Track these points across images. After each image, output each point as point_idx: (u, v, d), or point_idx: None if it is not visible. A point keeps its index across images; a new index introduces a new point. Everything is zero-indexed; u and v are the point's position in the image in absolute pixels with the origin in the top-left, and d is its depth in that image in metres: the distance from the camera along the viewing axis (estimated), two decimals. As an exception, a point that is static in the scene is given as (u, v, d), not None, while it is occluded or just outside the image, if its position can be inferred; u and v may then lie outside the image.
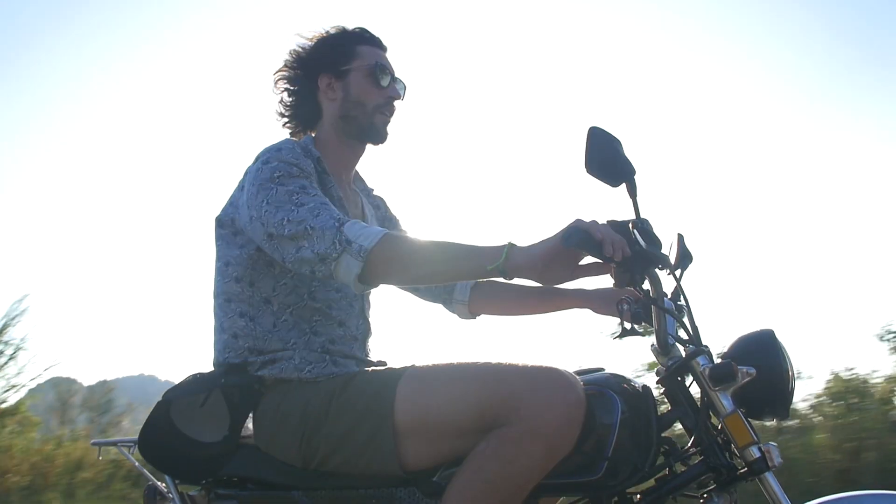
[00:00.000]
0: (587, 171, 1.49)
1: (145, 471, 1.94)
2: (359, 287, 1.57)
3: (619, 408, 1.54)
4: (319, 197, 1.66)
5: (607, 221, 1.54)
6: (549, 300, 2.00)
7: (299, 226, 1.59)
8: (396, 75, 1.92)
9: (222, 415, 1.72)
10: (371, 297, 1.94)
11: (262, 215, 1.64)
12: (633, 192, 1.52)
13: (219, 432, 1.71)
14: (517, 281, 1.54)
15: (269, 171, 1.69)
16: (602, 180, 1.50)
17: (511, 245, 1.46)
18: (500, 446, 1.47)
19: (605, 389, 1.56)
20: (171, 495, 1.80)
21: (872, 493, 1.60)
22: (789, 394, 1.58)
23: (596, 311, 1.93)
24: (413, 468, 1.59)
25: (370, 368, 1.77)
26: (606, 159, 1.49)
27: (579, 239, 1.40)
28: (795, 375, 1.60)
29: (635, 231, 1.46)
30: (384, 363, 1.86)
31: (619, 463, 1.53)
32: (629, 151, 1.52)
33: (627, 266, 1.48)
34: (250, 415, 1.76)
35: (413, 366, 1.64)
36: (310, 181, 1.70)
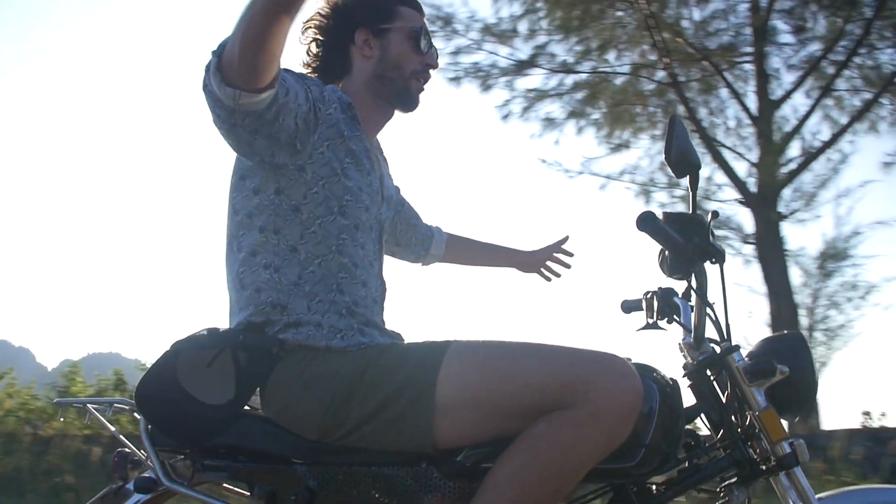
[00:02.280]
0: (665, 157, 1.49)
1: (118, 434, 1.78)
2: (225, 90, 1.42)
3: (656, 397, 1.54)
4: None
5: (664, 213, 1.56)
6: (491, 256, 2.37)
7: None
8: (433, 43, 1.86)
9: (229, 377, 1.59)
10: (384, 258, 1.86)
11: None
12: (695, 184, 1.54)
13: (223, 395, 1.58)
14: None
15: None
16: (672, 169, 1.51)
17: None
18: (563, 431, 1.43)
19: (643, 379, 1.56)
20: (149, 463, 1.65)
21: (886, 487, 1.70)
22: (814, 395, 1.65)
23: (521, 269, 2.37)
24: (444, 446, 1.52)
25: (405, 341, 1.69)
26: (681, 149, 1.50)
27: (654, 227, 1.41)
28: (819, 379, 1.67)
29: (712, 223, 1.48)
30: (399, 335, 1.79)
31: (652, 452, 1.53)
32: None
33: (688, 257, 1.50)
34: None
35: (457, 339, 1.56)
36: (310, 101, 1.60)
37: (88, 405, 1.79)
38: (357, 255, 1.68)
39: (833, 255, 9.15)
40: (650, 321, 1.72)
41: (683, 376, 1.67)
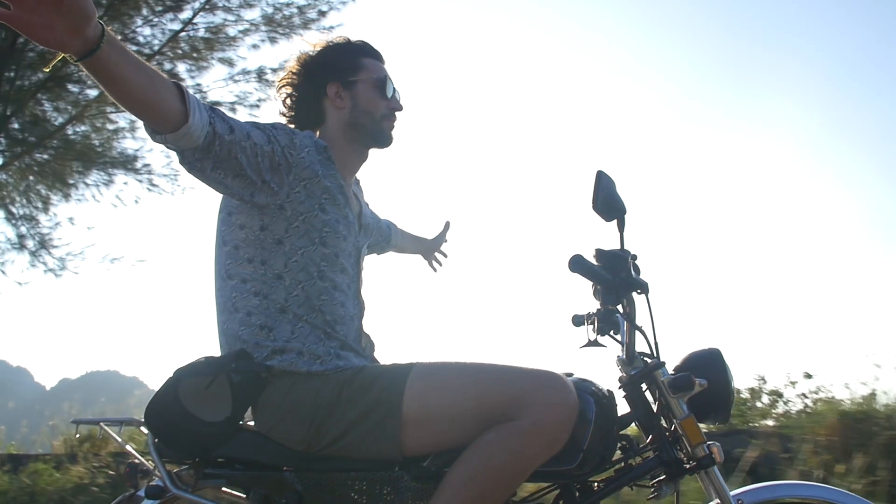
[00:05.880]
0: (593, 209, 1.74)
1: (130, 448, 2.02)
2: (157, 138, 1.63)
3: (593, 408, 1.79)
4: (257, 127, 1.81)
5: (596, 250, 1.81)
6: (413, 244, 2.78)
7: None
8: (396, 87, 2.10)
9: (226, 398, 1.83)
10: (364, 278, 2.09)
11: None
12: (622, 227, 1.79)
13: (221, 413, 1.82)
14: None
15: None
16: (600, 215, 1.76)
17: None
18: (510, 438, 1.67)
19: (582, 392, 1.80)
20: (156, 472, 1.90)
21: (804, 483, 1.94)
22: (731, 403, 1.89)
23: (423, 257, 2.83)
24: (410, 454, 1.77)
25: (375, 364, 1.94)
26: (607, 198, 1.75)
27: (584, 268, 1.67)
28: (735, 388, 1.91)
29: (632, 261, 1.73)
30: (372, 347, 2.04)
31: (590, 455, 1.78)
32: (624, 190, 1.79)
33: (615, 288, 1.75)
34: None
35: (420, 362, 1.81)
36: (274, 144, 1.81)
37: (102, 424, 2.03)
38: (337, 279, 1.93)
39: None
40: (591, 339, 1.96)
41: (619, 388, 1.92)
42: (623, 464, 1.88)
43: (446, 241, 2.84)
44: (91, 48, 1.39)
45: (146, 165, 9.97)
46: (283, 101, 2.12)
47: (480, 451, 1.69)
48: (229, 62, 9.48)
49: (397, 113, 2.09)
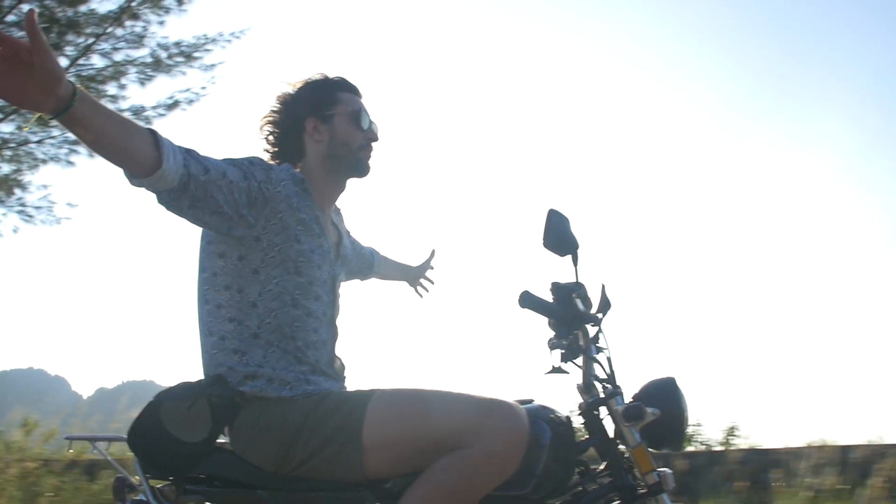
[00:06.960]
0: (544, 246, 1.83)
1: (117, 464, 2.14)
2: (134, 181, 1.74)
3: (547, 434, 1.87)
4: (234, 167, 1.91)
5: (552, 284, 1.90)
6: (396, 271, 2.89)
7: None
8: (372, 119, 2.21)
9: (205, 420, 1.94)
10: (340, 304, 2.19)
11: None
12: (575, 262, 1.88)
13: (199, 435, 1.93)
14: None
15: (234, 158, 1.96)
16: (552, 251, 1.85)
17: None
18: (461, 465, 1.76)
19: (537, 419, 1.88)
20: (141, 487, 2.02)
21: None
22: (684, 431, 1.96)
23: (409, 283, 2.92)
24: (372, 476, 1.86)
25: (341, 390, 2.04)
26: (558, 235, 1.84)
27: (533, 303, 1.76)
28: (690, 416, 1.98)
29: (576, 297, 1.81)
30: (343, 369, 2.14)
31: (544, 480, 1.86)
32: (576, 225, 1.88)
33: (566, 322, 1.83)
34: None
35: (380, 389, 1.91)
36: (251, 180, 1.92)
37: (91, 440, 2.16)
38: (311, 307, 2.03)
39: None
40: (555, 366, 2.04)
41: (578, 414, 2.00)
42: (580, 488, 1.96)
43: (432, 267, 2.92)
44: (64, 106, 1.51)
45: (18, 198, 9.99)
46: (266, 138, 2.23)
47: (433, 477, 1.78)
48: (113, 98, 9.63)
49: (373, 143, 2.19)
